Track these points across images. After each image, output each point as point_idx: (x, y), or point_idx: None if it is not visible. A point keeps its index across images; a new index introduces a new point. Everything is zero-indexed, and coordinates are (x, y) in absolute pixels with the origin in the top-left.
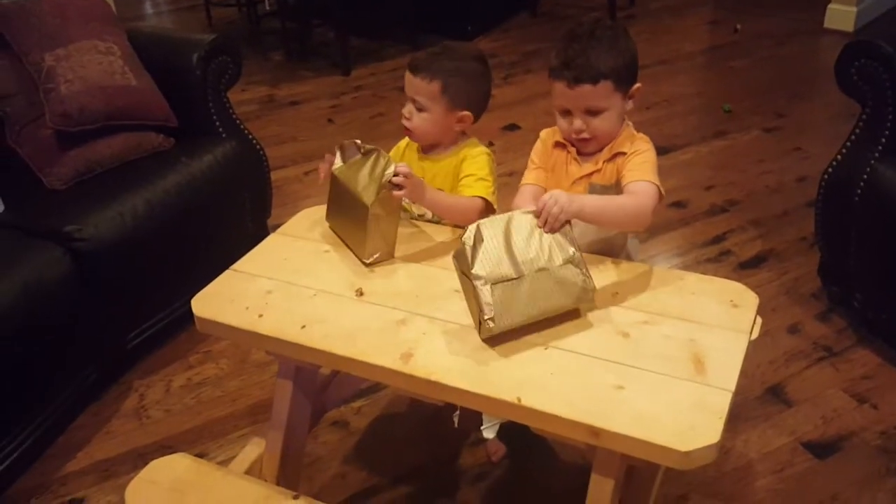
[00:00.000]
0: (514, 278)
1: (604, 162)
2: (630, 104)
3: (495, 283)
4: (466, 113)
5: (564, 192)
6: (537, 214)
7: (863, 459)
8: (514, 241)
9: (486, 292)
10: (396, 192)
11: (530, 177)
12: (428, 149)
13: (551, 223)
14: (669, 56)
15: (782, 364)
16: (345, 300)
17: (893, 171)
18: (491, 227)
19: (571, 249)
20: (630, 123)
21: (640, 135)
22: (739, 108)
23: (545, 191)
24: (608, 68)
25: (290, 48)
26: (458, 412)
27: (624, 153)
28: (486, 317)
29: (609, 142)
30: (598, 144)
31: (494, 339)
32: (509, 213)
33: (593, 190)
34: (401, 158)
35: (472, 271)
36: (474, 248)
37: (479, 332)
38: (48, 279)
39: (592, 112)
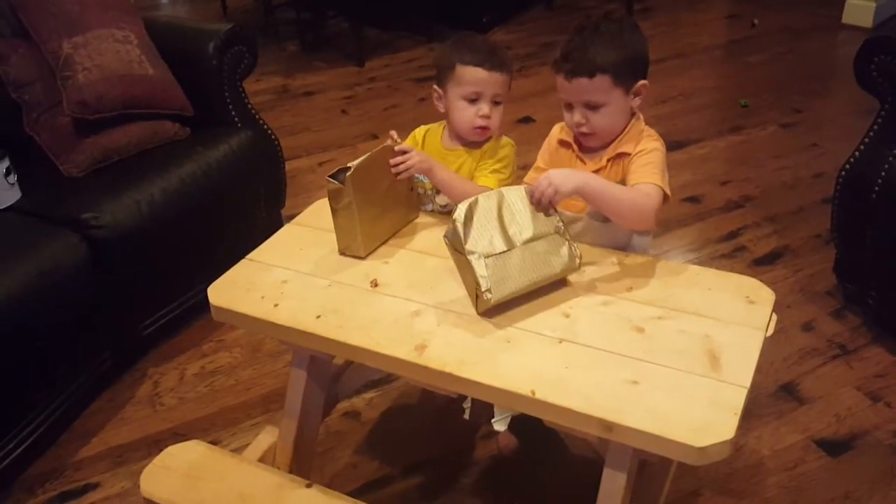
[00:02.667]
0: (506, 251)
1: (608, 160)
2: (636, 101)
3: (487, 256)
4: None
5: (564, 169)
6: (530, 192)
7: (876, 458)
8: (505, 216)
9: (480, 265)
10: (396, 170)
11: (532, 177)
12: (456, 140)
13: (544, 203)
14: (686, 50)
15: (796, 361)
16: (360, 291)
17: None
18: (484, 203)
19: (557, 219)
20: (640, 119)
21: (649, 131)
22: (756, 103)
23: None
24: (606, 62)
25: (305, 38)
26: (469, 404)
27: (628, 154)
28: (482, 289)
29: (611, 138)
30: (600, 140)
31: (507, 330)
32: (501, 190)
33: None
34: (421, 149)
35: (466, 247)
36: (465, 224)
37: (477, 307)
38: (64, 266)
39: (591, 106)
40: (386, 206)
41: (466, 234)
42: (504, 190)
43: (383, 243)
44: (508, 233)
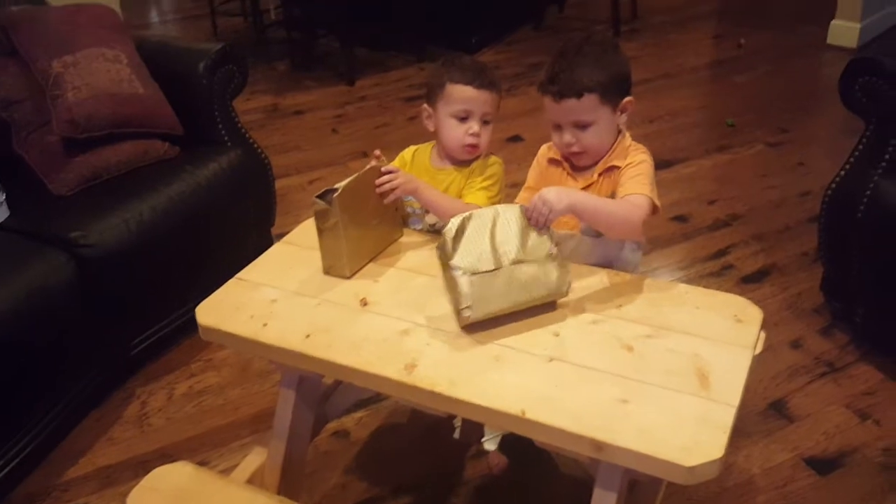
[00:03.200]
0: (493, 269)
1: (598, 175)
2: (623, 117)
3: (473, 273)
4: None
5: (556, 187)
6: (526, 211)
7: (865, 476)
8: (497, 234)
9: (463, 283)
10: (381, 190)
11: (523, 198)
12: (445, 160)
13: (540, 222)
14: (673, 70)
15: (784, 379)
16: (349, 310)
17: None
18: (477, 219)
19: (550, 244)
20: (627, 135)
21: (637, 146)
22: (743, 123)
23: None
24: (593, 82)
25: (295, 58)
26: (459, 423)
27: (618, 167)
28: (462, 306)
29: (601, 155)
30: (591, 158)
31: (497, 349)
32: (497, 207)
33: None
34: (409, 169)
35: (451, 262)
36: (456, 239)
37: (459, 321)
38: (52, 285)
39: (581, 126)
40: (371, 226)
41: (455, 248)
42: (500, 207)
43: (368, 263)
44: (499, 251)
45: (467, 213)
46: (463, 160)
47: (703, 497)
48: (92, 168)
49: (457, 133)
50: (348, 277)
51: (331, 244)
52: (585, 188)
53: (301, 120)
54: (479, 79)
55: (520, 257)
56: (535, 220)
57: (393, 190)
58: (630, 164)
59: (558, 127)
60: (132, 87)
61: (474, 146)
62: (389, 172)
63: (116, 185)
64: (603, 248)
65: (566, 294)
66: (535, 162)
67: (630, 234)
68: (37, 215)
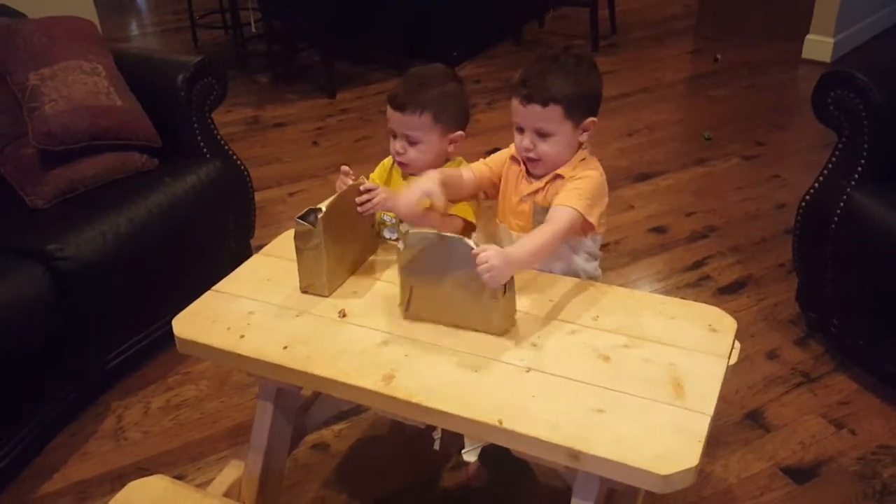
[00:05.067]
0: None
1: (546, 182)
2: (584, 136)
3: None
4: (460, 133)
5: (497, 252)
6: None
7: (841, 485)
8: (449, 262)
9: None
10: (362, 208)
11: (476, 166)
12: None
13: (485, 277)
14: (651, 84)
15: (761, 389)
16: (327, 321)
17: (869, 199)
18: (434, 244)
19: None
20: (586, 152)
21: (590, 161)
22: (719, 136)
23: (472, 181)
24: (561, 94)
25: (276, 71)
26: (439, 435)
27: (563, 177)
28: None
29: (555, 168)
30: (545, 168)
31: (474, 360)
32: (453, 238)
33: (537, 210)
34: (387, 178)
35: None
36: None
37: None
38: (27, 298)
39: (541, 134)
40: (349, 245)
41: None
42: (454, 240)
43: (345, 281)
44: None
45: (428, 235)
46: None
47: None
48: (69, 180)
49: (392, 147)
50: (327, 296)
51: (311, 264)
52: (534, 193)
53: (282, 132)
54: (394, 99)
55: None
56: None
57: (373, 206)
58: (573, 177)
59: (521, 130)
60: (110, 100)
61: (403, 164)
62: (370, 191)
63: (94, 197)
64: (554, 256)
65: (505, 332)
66: (503, 152)
67: (555, 249)
68: (12, 228)
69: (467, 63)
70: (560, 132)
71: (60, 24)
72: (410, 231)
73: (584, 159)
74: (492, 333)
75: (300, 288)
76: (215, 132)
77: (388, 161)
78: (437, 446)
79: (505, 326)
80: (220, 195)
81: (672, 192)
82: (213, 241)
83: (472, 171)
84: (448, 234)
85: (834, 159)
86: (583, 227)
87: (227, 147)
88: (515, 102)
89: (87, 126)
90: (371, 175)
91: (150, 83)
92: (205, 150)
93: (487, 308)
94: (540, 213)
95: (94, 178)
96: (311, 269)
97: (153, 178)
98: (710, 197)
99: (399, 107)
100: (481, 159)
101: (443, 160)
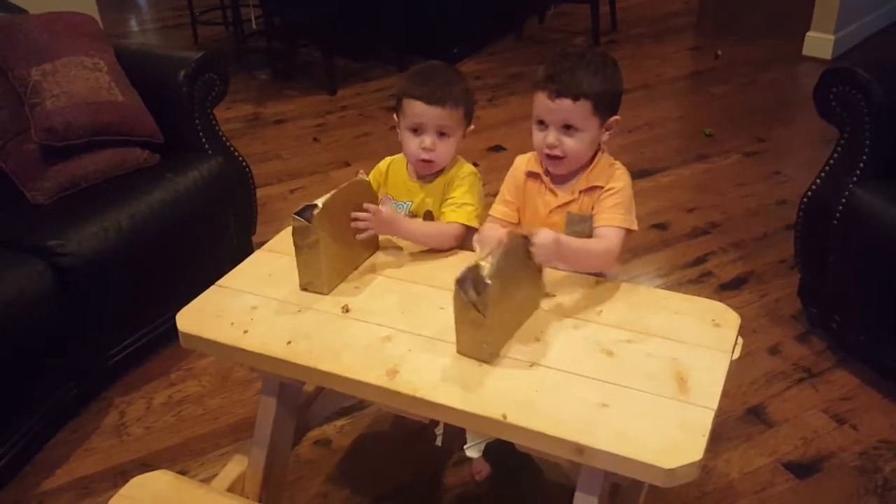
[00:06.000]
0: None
1: (580, 192)
2: (606, 135)
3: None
4: (471, 128)
5: (549, 232)
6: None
7: (842, 480)
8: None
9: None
10: (360, 236)
11: (499, 210)
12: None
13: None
14: (651, 81)
15: (763, 385)
16: (330, 316)
17: (871, 195)
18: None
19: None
20: (606, 153)
21: (618, 165)
22: (720, 133)
23: (510, 224)
24: (591, 89)
25: (276, 67)
26: (441, 431)
27: (601, 187)
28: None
29: (577, 166)
30: (567, 167)
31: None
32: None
33: (571, 219)
34: (385, 181)
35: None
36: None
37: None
38: (29, 294)
39: (568, 129)
40: (349, 243)
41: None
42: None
43: (344, 279)
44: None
45: (496, 257)
46: (422, 175)
47: (683, 501)
48: (70, 176)
49: (412, 146)
50: (326, 294)
51: (309, 262)
52: (567, 204)
53: (282, 129)
54: (431, 95)
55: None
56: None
57: (368, 229)
58: (611, 189)
59: (544, 126)
60: (111, 95)
61: (427, 161)
62: (372, 211)
63: (95, 193)
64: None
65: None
66: (510, 174)
67: (605, 268)
68: (14, 224)
69: (468, 59)
70: (587, 128)
71: (62, 19)
72: (487, 271)
73: (612, 164)
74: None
75: (300, 286)
76: (217, 128)
77: (383, 164)
78: (439, 442)
79: (539, 302)
80: (221, 191)
81: (673, 188)
82: (215, 238)
83: (503, 218)
84: (505, 243)
85: (836, 155)
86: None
87: (228, 143)
88: (542, 97)
89: (89, 121)
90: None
91: (151, 79)
92: (206, 146)
93: (536, 286)
94: (575, 223)
95: (96, 174)
96: (309, 266)
97: (155, 173)
98: (711, 193)
99: (438, 101)
100: (500, 198)
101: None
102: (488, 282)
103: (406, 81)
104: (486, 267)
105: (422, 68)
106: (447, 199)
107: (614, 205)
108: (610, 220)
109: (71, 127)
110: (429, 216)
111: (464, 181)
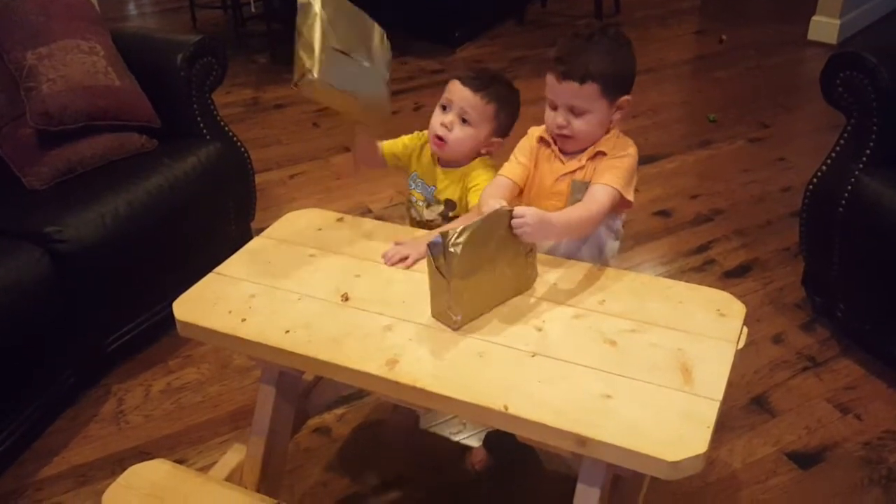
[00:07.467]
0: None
1: (587, 160)
2: (618, 115)
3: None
4: (499, 141)
5: (534, 211)
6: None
7: (846, 470)
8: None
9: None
10: (394, 263)
11: (508, 169)
12: (445, 161)
13: (521, 236)
14: (655, 65)
15: (766, 374)
16: (330, 305)
17: (877, 182)
18: (481, 232)
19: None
20: (618, 130)
21: (628, 141)
22: (724, 118)
23: (518, 187)
24: (598, 71)
25: (276, 51)
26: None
27: (605, 153)
28: (454, 317)
29: (587, 145)
30: (577, 145)
31: (479, 344)
32: (489, 214)
33: (576, 186)
34: (418, 154)
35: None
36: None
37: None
38: (26, 281)
39: (575, 111)
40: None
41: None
42: (493, 214)
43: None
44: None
45: (472, 227)
46: (441, 161)
47: (686, 492)
48: (67, 161)
49: (434, 120)
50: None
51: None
52: (573, 172)
53: (282, 113)
54: (470, 78)
55: (502, 259)
56: (516, 226)
57: (404, 259)
58: (612, 156)
59: (554, 106)
60: (108, 79)
61: (441, 138)
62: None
63: (92, 178)
64: (587, 243)
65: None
66: (523, 140)
67: (594, 228)
68: (10, 210)
69: (469, 44)
70: (595, 109)
71: (58, 2)
72: (458, 237)
73: (619, 135)
74: (522, 292)
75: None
76: (215, 113)
77: (421, 140)
78: (422, 424)
79: (531, 284)
80: (220, 177)
81: (677, 174)
82: (213, 224)
83: (513, 178)
84: (486, 213)
85: (842, 142)
86: (619, 205)
87: (226, 128)
88: (551, 78)
89: (85, 106)
90: (392, 141)
91: (149, 63)
92: (204, 131)
93: (523, 266)
94: (579, 190)
95: (93, 159)
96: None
97: (152, 159)
98: (715, 180)
99: (475, 86)
100: (512, 158)
101: (472, 157)
102: (451, 249)
103: (464, 70)
104: (455, 234)
105: (484, 68)
106: (471, 187)
107: (611, 167)
108: (604, 180)
109: (67, 111)
110: (450, 205)
111: (485, 170)
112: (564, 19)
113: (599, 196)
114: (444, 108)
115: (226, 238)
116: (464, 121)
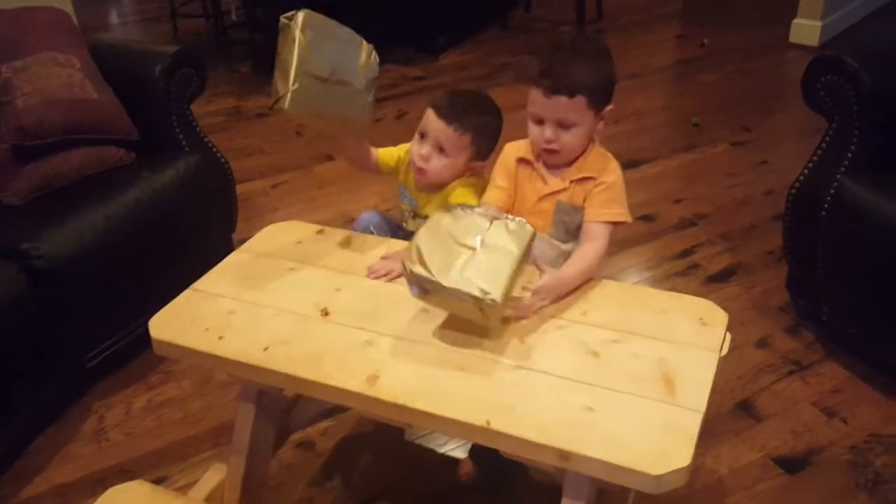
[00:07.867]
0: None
1: (571, 182)
2: (601, 124)
3: None
4: (480, 164)
5: (552, 286)
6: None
7: (833, 474)
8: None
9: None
10: (377, 276)
11: (491, 196)
12: (427, 186)
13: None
14: (638, 70)
15: (751, 378)
16: (309, 320)
17: (859, 185)
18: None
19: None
20: (597, 142)
21: (610, 158)
22: (707, 122)
23: (502, 210)
24: (586, 84)
25: (258, 60)
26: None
27: (593, 178)
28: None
29: (574, 157)
30: (564, 158)
31: (461, 358)
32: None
33: (561, 208)
34: (407, 170)
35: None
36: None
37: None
38: (2, 298)
39: (564, 125)
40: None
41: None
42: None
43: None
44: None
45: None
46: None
47: (672, 500)
48: (44, 176)
49: (413, 148)
50: (285, 109)
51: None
52: (557, 193)
53: (264, 123)
54: (447, 111)
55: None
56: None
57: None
58: (604, 183)
59: (540, 121)
60: (84, 93)
61: (421, 170)
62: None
63: (70, 193)
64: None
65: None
66: (500, 160)
67: (600, 266)
68: None
69: (452, 50)
70: (583, 122)
71: (34, 15)
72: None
73: (605, 154)
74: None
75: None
76: (194, 124)
77: (404, 150)
78: (407, 436)
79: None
80: (200, 189)
81: (660, 179)
82: (195, 236)
83: (495, 203)
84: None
85: (824, 145)
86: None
87: (206, 139)
88: (537, 93)
89: (61, 120)
90: (388, 150)
91: (126, 74)
92: (184, 142)
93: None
94: (564, 213)
95: (70, 174)
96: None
97: (131, 172)
98: (699, 184)
99: (447, 118)
100: (492, 183)
101: (456, 177)
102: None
103: (441, 96)
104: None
105: (462, 92)
106: (454, 195)
107: (608, 199)
108: (602, 216)
109: (42, 125)
110: None
111: (464, 188)
112: (548, 25)
113: (602, 235)
114: (422, 136)
115: (207, 250)
116: (441, 149)
